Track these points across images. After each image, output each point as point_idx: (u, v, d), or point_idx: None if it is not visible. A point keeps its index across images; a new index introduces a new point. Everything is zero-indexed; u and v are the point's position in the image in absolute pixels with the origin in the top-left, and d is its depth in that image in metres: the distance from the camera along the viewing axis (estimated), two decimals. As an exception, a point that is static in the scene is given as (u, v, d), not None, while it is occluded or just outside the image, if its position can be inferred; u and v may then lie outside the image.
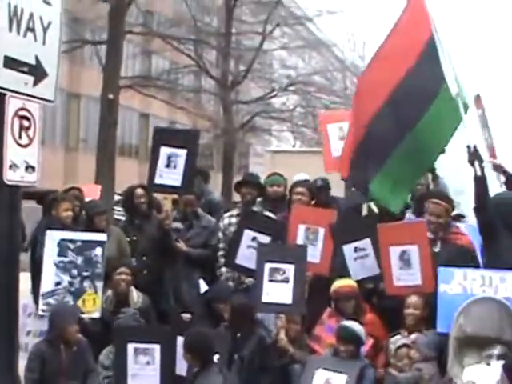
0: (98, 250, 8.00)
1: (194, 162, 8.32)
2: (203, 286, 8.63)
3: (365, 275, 7.88)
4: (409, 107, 7.60)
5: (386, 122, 7.69)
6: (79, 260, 7.99)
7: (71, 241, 8.02)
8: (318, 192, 9.05)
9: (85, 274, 7.99)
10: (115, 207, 16.70)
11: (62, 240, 8.00)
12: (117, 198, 17.75)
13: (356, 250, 7.91)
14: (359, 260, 7.91)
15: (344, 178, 8.19)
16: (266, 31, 28.93)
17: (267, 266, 7.54)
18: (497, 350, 6.27)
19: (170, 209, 8.62)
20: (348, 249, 7.94)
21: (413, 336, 7.01)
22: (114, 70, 22.96)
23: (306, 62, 36.51)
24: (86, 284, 7.98)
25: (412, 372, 6.76)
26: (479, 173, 7.09)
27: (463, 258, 7.13)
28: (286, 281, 7.51)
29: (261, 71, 30.21)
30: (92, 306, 7.93)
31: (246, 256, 8.12)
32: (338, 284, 7.69)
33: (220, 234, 8.81)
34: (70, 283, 7.95)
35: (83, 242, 8.05)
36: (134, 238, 8.98)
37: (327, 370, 6.95)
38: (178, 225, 8.80)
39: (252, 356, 7.31)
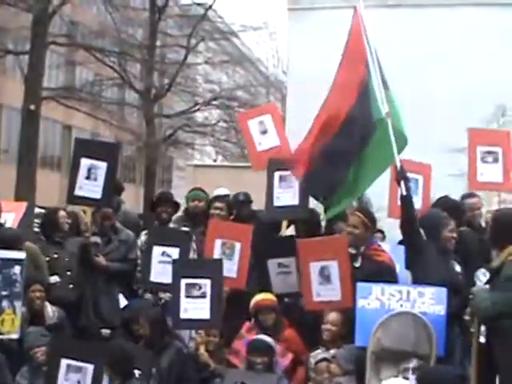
0: (17, 269, 7.69)
1: (114, 175, 8.32)
2: (123, 301, 8.55)
3: (285, 291, 7.97)
4: (351, 142, 7.70)
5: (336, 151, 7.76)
6: (-4, 279, 7.84)
7: (-13, 260, 7.85)
8: (240, 206, 9.08)
9: (3, 293, 7.66)
10: (36, 220, 16.37)
11: (-22, 259, 7.82)
12: (37, 210, 17.41)
13: (280, 265, 8.02)
14: (281, 276, 8.01)
15: (298, 177, 8.15)
16: (190, 45, 28.93)
17: (183, 282, 7.54)
18: (413, 364, 6.39)
19: (89, 222, 8.55)
20: (272, 263, 8.04)
21: (332, 351, 7.07)
22: (36, 81, 22.69)
23: (230, 76, 36.63)
24: (5, 304, 7.63)
25: None
26: (405, 192, 7.27)
27: (383, 274, 7.24)
28: (204, 296, 7.52)
29: (184, 85, 30.19)
30: (11, 327, 7.61)
31: (159, 272, 8.09)
32: (259, 297, 7.73)
33: (138, 252, 8.73)
34: (-12, 303, 7.80)
35: (1, 260, 7.73)
36: (55, 255, 8.68)
37: None
38: (97, 239, 8.71)
39: (170, 368, 7.28)
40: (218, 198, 9.10)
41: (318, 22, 13.60)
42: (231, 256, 8.16)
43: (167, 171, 41.95)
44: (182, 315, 7.45)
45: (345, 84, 7.82)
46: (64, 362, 7.08)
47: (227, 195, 9.38)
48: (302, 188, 8.16)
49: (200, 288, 7.55)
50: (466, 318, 6.78)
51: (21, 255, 7.86)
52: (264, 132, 8.87)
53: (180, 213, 9.12)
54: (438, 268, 7.08)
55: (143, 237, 8.78)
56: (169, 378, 7.24)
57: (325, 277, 7.47)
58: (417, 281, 7.04)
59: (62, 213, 8.88)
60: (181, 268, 7.65)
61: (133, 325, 7.94)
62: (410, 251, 7.35)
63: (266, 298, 7.74)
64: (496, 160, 8.56)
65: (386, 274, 7.27)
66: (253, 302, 7.70)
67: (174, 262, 7.79)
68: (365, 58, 7.65)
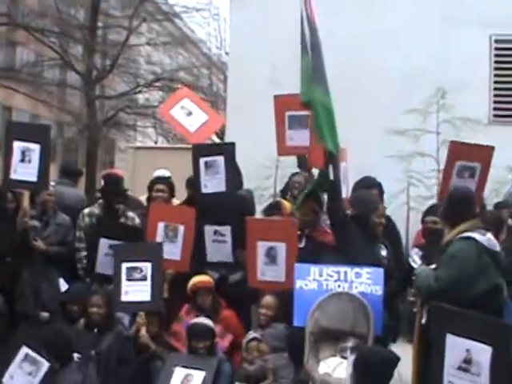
0: None
1: (48, 157, 8.21)
2: (63, 285, 8.47)
3: (219, 259, 8.02)
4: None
5: None
6: None
7: None
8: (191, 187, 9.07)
9: None
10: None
11: None
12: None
13: (215, 232, 8.06)
14: (216, 243, 8.05)
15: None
16: (132, 26, 28.69)
17: (124, 266, 7.53)
18: (350, 343, 6.46)
19: (27, 206, 8.44)
20: (208, 229, 8.08)
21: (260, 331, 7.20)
22: (-26, 61, 22.22)
23: (173, 58, 36.37)
24: None
25: (258, 363, 6.91)
26: (332, 176, 7.32)
27: (324, 254, 7.31)
28: (144, 279, 7.52)
29: (126, 66, 29.93)
30: None
31: (105, 264, 8.08)
32: (196, 279, 7.77)
33: (80, 234, 8.65)
34: None
35: None
36: None
37: (186, 368, 7.01)
38: (36, 223, 8.59)
39: (110, 351, 7.27)
40: (160, 179, 9.03)
41: (259, 4, 13.53)
42: (174, 238, 8.14)
43: (109, 153, 41.60)
44: (123, 298, 7.46)
45: None
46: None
47: (168, 177, 9.33)
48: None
49: (141, 271, 7.55)
50: (410, 299, 6.88)
51: None
52: (189, 114, 8.86)
53: None
54: (363, 253, 7.15)
55: (87, 218, 8.67)
56: (108, 361, 7.22)
57: (271, 257, 7.55)
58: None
59: (10, 196, 8.63)
60: (122, 252, 7.64)
61: (70, 307, 7.87)
62: (338, 236, 7.42)
63: (203, 279, 7.79)
64: (472, 175, 8.22)
65: (327, 254, 7.32)
66: (190, 284, 7.73)
67: (115, 246, 7.76)
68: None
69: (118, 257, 7.60)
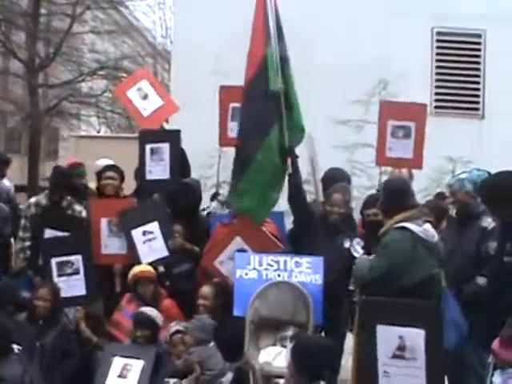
0: None
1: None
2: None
3: (154, 258, 7.95)
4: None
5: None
6: None
7: None
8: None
9: None
10: None
11: None
12: None
13: (144, 233, 8.00)
14: (148, 243, 7.99)
15: None
16: (75, 13, 28.33)
17: (54, 261, 7.45)
18: (290, 332, 6.49)
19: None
20: (136, 233, 8.00)
21: (183, 323, 7.12)
22: None
23: (117, 46, 36.05)
24: None
25: (184, 357, 6.85)
26: (291, 170, 7.37)
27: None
28: (77, 272, 7.47)
29: (69, 54, 29.57)
30: None
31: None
32: (137, 269, 7.73)
33: (25, 223, 8.48)
34: None
35: None
36: None
37: (124, 357, 6.95)
38: None
39: (55, 343, 7.19)
40: (109, 167, 8.92)
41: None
42: (119, 233, 8.14)
43: (53, 142, 41.12)
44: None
45: (250, 57, 7.52)
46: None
47: (116, 165, 9.19)
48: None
49: (72, 264, 7.51)
50: (350, 288, 6.93)
51: None
52: (145, 97, 8.82)
53: None
54: (322, 243, 7.22)
55: (33, 208, 8.52)
56: (53, 354, 7.15)
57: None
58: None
59: None
60: (50, 247, 7.53)
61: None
62: (296, 226, 7.52)
63: (144, 269, 7.74)
64: (407, 135, 8.33)
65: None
66: (131, 274, 7.69)
67: (44, 241, 7.63)
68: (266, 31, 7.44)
69: (46, 252, 7.46)
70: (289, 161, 7.35)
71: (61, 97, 29.36)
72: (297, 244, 7.49)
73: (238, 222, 7.46)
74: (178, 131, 8.47)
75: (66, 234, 8.01)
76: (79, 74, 29.71)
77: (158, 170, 8.25)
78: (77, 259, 7.53)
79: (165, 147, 8.26)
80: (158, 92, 8.93)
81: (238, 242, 7.32)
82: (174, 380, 6.78)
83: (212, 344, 6.85)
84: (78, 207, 8.49)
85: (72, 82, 29.78)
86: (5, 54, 30.85)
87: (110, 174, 8.66)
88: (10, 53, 28.79)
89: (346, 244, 7.40)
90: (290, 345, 6.26)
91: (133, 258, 7.98)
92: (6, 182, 10.68)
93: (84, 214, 8.44)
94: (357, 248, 7.23)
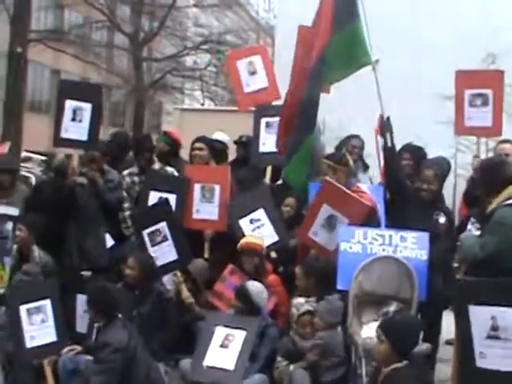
0: (9, 225, 7.73)
1: (100, 117, 8.26)
2: (109, 241, 8.48)
3: (266, 244, 7.84)
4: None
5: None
6: (-14, 234, 7.78)
7: (-22, 214, 7.80)
8: (243, 148, 9.09)
9: None
10: (23, 164, 16.39)
11: (-32, 213, 7.79)
12: (25, 154, 17.39)
13: (252, 221, 7.97)
14: (257, 230, 7.93)
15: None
16: (179, -13, 28.64)
17: (145, 233, 7.59)
18: (393, 307, 6.39)
19: (76, 165, 8.50)
20: (244, 222, 7.98)
21: (313, 301, 6.97)
22: (22, 23, 22.26)
23: (220, 20, 36.25)
24: None
25: (311, 341, 6.73)
26: (389, 143, 7.26)
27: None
28: (166, 239, 7.55)
29: (173, 29, 29.88)
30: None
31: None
32: (245, 240, 7.65)
33: (124, 193, 8.67)
34: (-24, 258, 7.77)
35: None
36: None
37: (226, 327, 6.93)
38: (83, 180, 8.59)
39: (151, 312, 7.23)
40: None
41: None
42: (212, 199, 8.20)
43: (157, 116, 41.73)
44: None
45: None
46: (22, 308, 7.04)
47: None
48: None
49: (160, 232, 7.68)
50: (455, 265, 6.80)
51: (13, 211, 7.87)
52: (253, 73, 8.82)
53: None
54: (418, 219, 7.08)
55: (127, 178, 8.71)
56: (149, 322, 7.20)
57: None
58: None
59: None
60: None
61: (122, 266, 7.80)
62: (391, 204, 7.42)
63: (251, 241, 7.64)
64: (485, 103, 8.17)
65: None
66: (239, 243, 7.66)
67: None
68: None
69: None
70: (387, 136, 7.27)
71: (165, 71, 29.72)
72: (391, 220, 7.35)
73: (322, 190, 7.29)
74: None
75: (169, 194, 8.08)
76: (183, 48, 30.00)
77: (272, 142, 8.25)
78: (162, 226, 7.61)
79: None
80: (268, 73, 8.89)
81: (326, 209, 7.14)
82: (285, 362, 6.74)
83: (339, 329, 6.71)
84: (169, 169, 8.61)
85: (176, 56, 30.11)
86: (109, 28, 31.37)
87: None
88: (114, 26, 29.25)
89: (442, 220, 7.26)
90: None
91: (223, 223, 8.07)
92: None
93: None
94: (472, 229, 7.09)
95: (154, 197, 8.15)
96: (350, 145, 8.85)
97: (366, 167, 9.03)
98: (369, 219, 6.96)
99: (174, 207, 8.00)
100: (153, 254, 7.61)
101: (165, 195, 8.07)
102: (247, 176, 8.80)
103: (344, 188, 7.10)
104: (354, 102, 13.97)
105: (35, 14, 30.89)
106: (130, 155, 9.29)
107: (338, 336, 6.69)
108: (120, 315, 6.81)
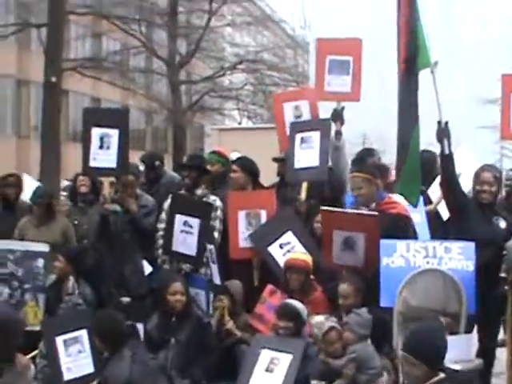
0: (40, 262, 7.82)
1: (127, 142, 8.12)
2: (147, 268, 8.33)
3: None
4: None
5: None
6: (20, 272, 7.81)
7: (10, 251, 7.83)
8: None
9: (26, 286, 7.81)
10: (63, 193, 16.47)
11: (0, 250, 7.84)
12: (67, 183, 17.47)
13: (281, 246, 7.74)
14: (288, 254, 7.61)
15: None
16: (212, 9, 28.65)
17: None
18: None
19: (107, 192, 8.39)
20: (274, 249, 7.76)
21: (344, 318, 6.66)
22: (56, 53, 22.29)
23: (256, 39, 36.31)
24: (28, 296, 7.81)
25: (344, 357, 6.43)
26: (447, 150, 7.03)
27: (399, 226, 6.92)
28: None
29: (209, 50, 29.98)
30: (33, 319, 7.69)
31: (180, 241, 7.85)
32: (292, 256, 7.42)
33: (163, 215, 8.42)
34: (11, 295, 7.79)
35: (23, 252, 7.84)
36: (76, 221, 8.88)
37: (272, 350, 6.69)
38: (116, 207, 8.44)
39: (190, 338, 7.05)
40: (233, 161, 8.78)
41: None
42: (258, 225, 7.98)
43: (199, 139, 41.95)
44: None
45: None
46: (59, 339, 6.84)
47: (241, 157, 8.99)
48: None
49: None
50: (502, 275, 6.46)
51: (44, 247, 7.93)
52: (298, 117, 8.64)
53: None
54: (479, 224, 6.92)
55: (169, 199, 8.41)
56: (189, 348, 7.02)
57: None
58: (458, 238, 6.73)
59: (80, 177, 9.16)
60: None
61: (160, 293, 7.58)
62: (451, 212, 7.25)
63: (297, 257, 7.38)
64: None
65: (402, 226, 6.97)
66: (286, 259, 7.45)
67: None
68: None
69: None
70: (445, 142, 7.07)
71: (202, 92, 29.76)
72: (454, 232, 7.14)
73: (322, 220, 7.16)
74: (329, 120, 8.24)
75: (195, 219, 7.84)
76: (219, 69, 30.05)
77: (307, 158, 8.06)
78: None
79: (315, 135, 8.07)
80: (312, 116, 8.69)
81: (337, 234, 6.93)
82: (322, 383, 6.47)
83: (369, 341, 6.42)
84: (212, 197, 8.33)
85: (213, 77, 30.16)
86: (147, 55, 31.59)
87: (233, 167, 8.45)
88: (150, 52, 29.42)
89: (502, 225, 7.03)
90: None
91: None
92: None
93: (218, 203, 8.27)
94: None
95: (179, 220, 7.92)
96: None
97: None
98: (397, 229, 6.79)
99: (197, 231, 7.77)
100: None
101: (190, 219, 7.85)
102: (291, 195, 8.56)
103: (338, 209, 7.14)
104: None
105: (73, 44, 31.28)
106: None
107: (370, 347, 6.41)
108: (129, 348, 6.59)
